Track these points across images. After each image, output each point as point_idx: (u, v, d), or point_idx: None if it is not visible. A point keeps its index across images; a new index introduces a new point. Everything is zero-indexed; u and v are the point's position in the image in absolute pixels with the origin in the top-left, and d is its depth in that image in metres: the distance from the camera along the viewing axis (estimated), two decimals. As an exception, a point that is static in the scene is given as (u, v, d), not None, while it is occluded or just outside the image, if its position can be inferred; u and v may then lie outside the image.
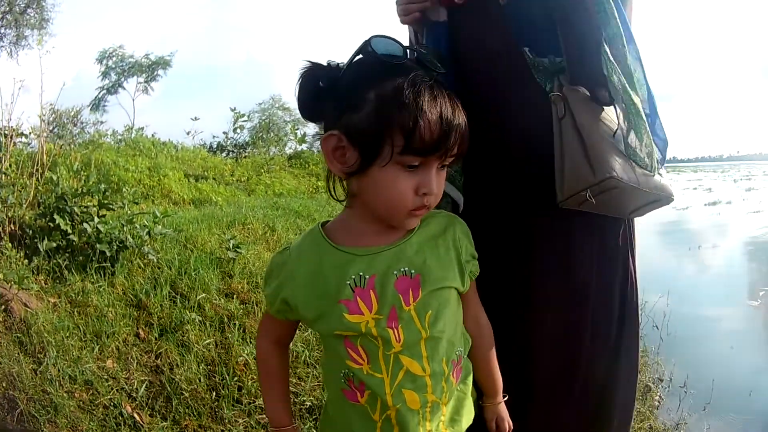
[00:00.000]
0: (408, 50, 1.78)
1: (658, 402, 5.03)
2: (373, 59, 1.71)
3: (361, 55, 1.76)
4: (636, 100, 2.41)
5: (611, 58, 2.35)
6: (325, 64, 1.79)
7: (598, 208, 2.39)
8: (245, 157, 19.43)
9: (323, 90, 1.77)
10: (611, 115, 2.45)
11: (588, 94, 2.44)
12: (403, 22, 2.70)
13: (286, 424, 2.05)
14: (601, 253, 2.68)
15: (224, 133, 20.10)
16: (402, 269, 1.81)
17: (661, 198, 2.53)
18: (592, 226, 2.61)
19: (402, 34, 2.72)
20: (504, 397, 2.28)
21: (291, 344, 2.53)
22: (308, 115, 1.85)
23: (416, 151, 1.65)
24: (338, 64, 1.78)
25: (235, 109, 19.33)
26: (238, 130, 20.12)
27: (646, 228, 18.24)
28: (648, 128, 2.44)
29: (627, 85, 2.39)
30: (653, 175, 2.46)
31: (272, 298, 1.89)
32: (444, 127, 1.65)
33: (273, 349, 2.10)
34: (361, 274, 1.78)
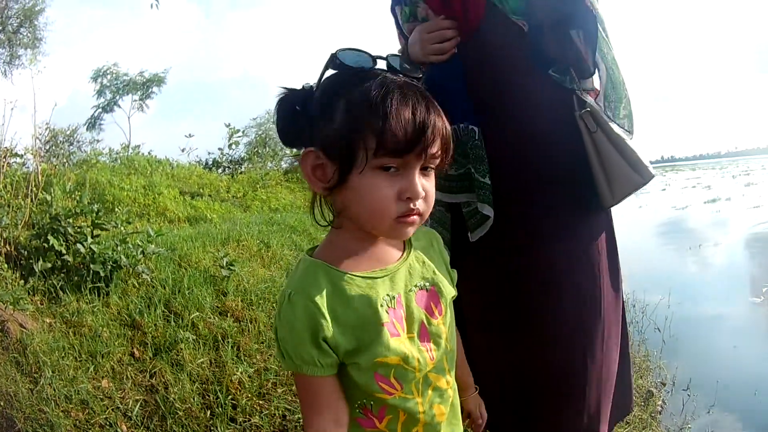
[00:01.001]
0: (376, 58, 1.74)
1: (661, 407, 5.01)
2: (342, 71, 1.71)
3: (330, 71, 1.73)
4: (619, 72, 2.65)
5: (601, 31, 2.58)
6: (299, 88, 1.77)
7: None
8: (241, 172, 19.42)
9: (299, 113, 1.75)
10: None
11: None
12: (435, 60, 2.76)
13: None
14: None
15: (220, 149, 20.12)
16: (417, 284, 1.82)
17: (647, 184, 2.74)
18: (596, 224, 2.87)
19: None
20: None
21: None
22: (288, 141, 1.82)
23: (390, 152, 1.60)
24: (312, 86, 1.76)
25: (230, 124, 19.39)
26: (234, 146, 20.15)
27: (646, 229, 18.25)
28: (627, 96, 2.68)
29: (615, 60, 2.65)
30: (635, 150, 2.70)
31: (311, 347, 1.63)
32: (417, 124, 1.60)
33: (334, 430, 1.71)
34: (389, 294, 1.74)
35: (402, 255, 1.84)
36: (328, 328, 1.62)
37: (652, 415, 4.75)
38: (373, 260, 1.78)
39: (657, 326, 7.07)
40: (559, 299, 2.70)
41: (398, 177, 1.64)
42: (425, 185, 1.68)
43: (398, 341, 1.69)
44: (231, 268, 6.41)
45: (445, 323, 1.83)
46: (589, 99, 2.68)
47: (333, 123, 1.64)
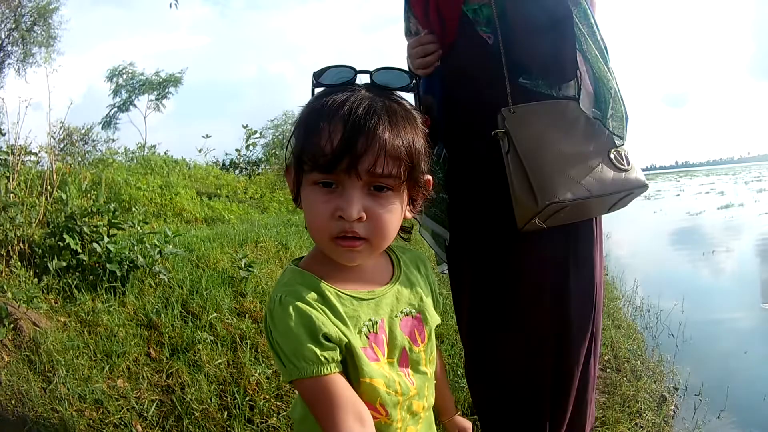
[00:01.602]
0: (359, 73, 1.73)
1: (674, 412, 4.97)
2: (322, 89, 1.71)
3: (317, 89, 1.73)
4: (604, 69, 2.59)
5: (582, 29, 2.55)
6: None
7: (560, 222, 2.59)
8: (258, 174, 19.51)
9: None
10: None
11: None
12: (423, 74, 2.83)
13: None
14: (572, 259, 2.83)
15: (237, 150, 20.22)
16: (403, 310, 1.81)
17: (633, 192, 2.67)
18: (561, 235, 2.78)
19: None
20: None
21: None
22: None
23: (318, 167, 1.57)
24: None
25: (247, 126, 19.49)
26: (251, 147, 20.24)
27: (660, 235, 18.34)
28: (616, 96, 2.63)
29: (598, 56, 2.58)
30: (628, 169, 2.63)
31: (311, 344, 1.56)
32: (347, 133, 1.54)
33: (360, 429, 1.58)
34: (372, 319, 1.72)
35: (391, 279, 1.85)
36: (324, 321, 1.59)
37: (665, 419, 4.73)
38: (361, 281, 1.77)
39: (671, 331, 7.10)
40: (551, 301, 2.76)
41: (337, 194, 1.60)
42: (370, 207, 1.61)
43: (377, 365, 1.69)
44: (249, 269, 6.33)
45: (426, 350, 1.86)
46: (539, 114, 2.64)
47: (292, 136, 1.70)
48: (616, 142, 2.62)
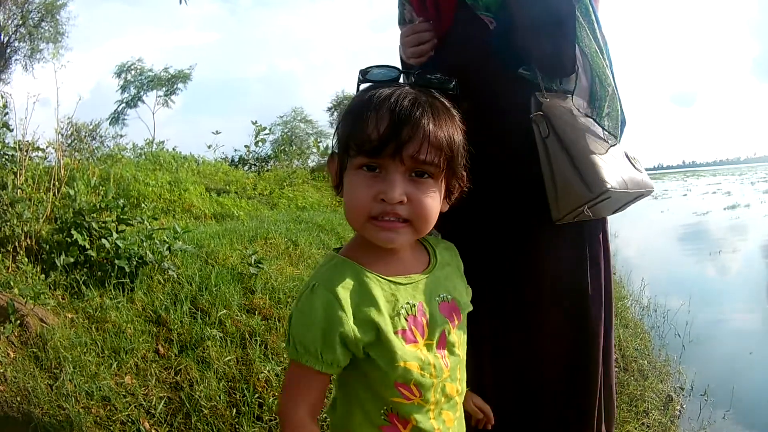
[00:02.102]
0: (407, 73, 1.85)
1: (679, 411, 5.00)
2: (359, 87, 1.83)
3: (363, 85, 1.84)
4: (603, 66, 2.53)
5: (582, 24, 2.50)
6: None
7: (589, 216, 2.50)
8: (267, 170, 19.51)
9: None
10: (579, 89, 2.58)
11: (567, 102, 2.58)
12: (415, 63, 2.79)
13: None
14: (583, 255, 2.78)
15: (246, 146, 20.19)
16: (440, 295, 1.88)
17: (643, 193, 2.62)
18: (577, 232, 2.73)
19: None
20: None
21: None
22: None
23: (364, 152, 1.67)
24: None
25: (256, 122, 19.45)
26: (260, 144, 20.20)
27: (667, 234, 18.38)
28: (614, 94, 2.57)
29: (598, 52, 2.52)
30: (642, 171, 2.64)
31: (318, 341, 1.69)
32: (393, 121, 1.64)
33: (310, 423, 1.78)
34: (410, 302, 1.78)
35: (427, 267, 1.93)
36: (348, 322, 1.67)
37: (671, 419, 4.76)
38: (399, 268, 1.85)
39: (677, 331, 7.09)
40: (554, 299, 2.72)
41: (380, 178, 1.70)
42: (412, 192, 1.71)
43: (415, 347, 1.76)
44: (259, 265, 6.33)
45: (459, 334, 1.91)
46: (561, 102, 2.58)
47: (339, 125, 1.80)
48: (609, 141, 2.58)
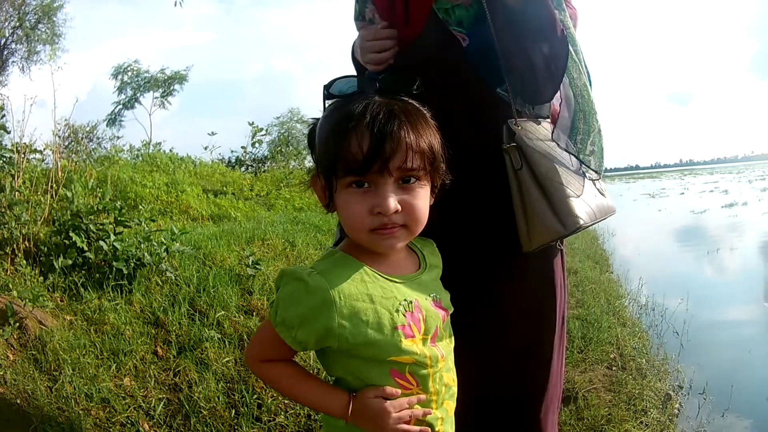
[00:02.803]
0: (368, 83, 1.87)
1: (678, 410, 5.02)
2: (326, 102, 1.89)
3: (328, 101, 1.90)
4: (591, 101, 2.53)
5: (574, 57, 2.51)
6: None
7: (560, 247, 2.68)
8: (264, 171, 19.44)
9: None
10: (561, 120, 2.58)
11: (539, 128, 2.57)
12: (373, 69, 2.72)
13: (346, 400, 1.89)
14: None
15: (242, 147, 20.14)
16: (431, 294, 1.96)
17: (607, 218, 2.64)
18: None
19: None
20: None
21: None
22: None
23: (351, 171, 1.72)
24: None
25: (253, 123, 19.44)
26: (257, 144, 20.19)
27: (665, 233, 18.50)
28: (600, 130, 2.57)
29: (587, 86, 2.53)
30: (606, 196, 2.66)
31: (301, 325, 1.77)
32: (375, 138, 1.68)
33: (285, 364, 1.97)
34: (407, 299, 1.86)
35: (419, 269, 2.02)
36: (337, 319, 1.73)
37: (670, 418, 4.78)
38: (395, 267, 1.93)
39: (675, 330, 7.15)
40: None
41: (371, 192, 1.75)
42: (404, 198, 1.78)
43: (412, 342, 1.83)
44: (257, 267, 6.34)
45: (446, 328, 2.02)
46: (535, 130, 2.55)
47: (319, 147, 1.84)
48: (593, 176, 2.61)
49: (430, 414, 1.90)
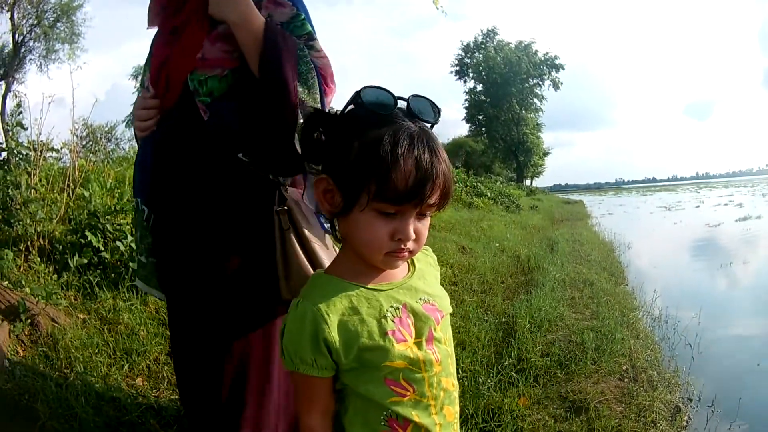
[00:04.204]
0: (398, 100, 1.84)
1: (687, 422, 5.00)
2: (363, 110, 1.80)
3: (352, 106, 1.86)
4: None
5: None
6: (327, 111, 2.01)
7: None
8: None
9: (320, 136, 1.90)
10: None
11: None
12: (139, 136, 2.89)
13: None
14: None
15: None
16: (421, 297, 1.96)
17: None
18: None
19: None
20: None
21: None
22: (308, 157, 1.95)
23: (390, 200, 1.73)
24: (334, 110, 1.93)
25: (274, 125, 19.40)
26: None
27: (680, 246, 18.45)
28: None
29: None
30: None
31: (310, 350, 1.80)
32: (419, 177, 1.72)
33: (321, 426, 1.93)
34: (393, 305, 1.88)
35: (407, 274, 2.02)
36: (329, 331, 1.78)
37: (678, 430, 4.77)
38: (380, 277, 1.94)
39: (688, 342, 7.10)
40: None
41: (394, 219, 1.79)
42: (418, 228, 1.84)
43: (405, 346, 1.84)
44: (273, 269, 6.31)
45: (444, 331, 1.99)
46: (294, 195, 2.79)
47: (346, 160, 1.78)
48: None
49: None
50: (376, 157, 1.72)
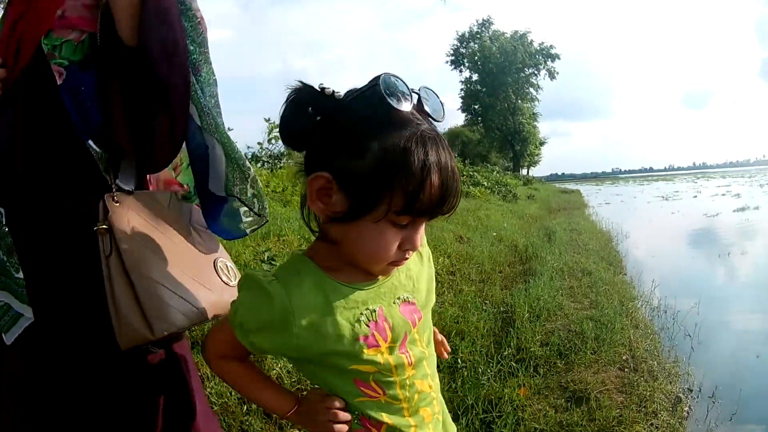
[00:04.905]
0: (413, 93, 1.66)
1: (687, 413, 5.02)
2: (376, 101, 1.59)
3: (365, 92, 1.64)
4: (237, 148, 2.32)
5: (202, 103, 2.27)
6: (317, 88, 1.67)
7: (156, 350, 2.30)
8: (281, 167, 19.27)
9: (312, 118, 1.69)
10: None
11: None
12: None
13: (293, 403, 1.89)
14: None
15: (259, 143, 20.02)
16: (400, 296, 1.86)
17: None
18: None
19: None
20: None
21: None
22: (290, 142, 1.79)
23: (414, 213, 1.63)
24: (333, 92, 1.67)
25: (269, 119, 19.30)
26: (273, 141, 20.06)
27: (677, 236, 18.50)
28: (255, 175, 2.36)
29: (228, 136, 2.32)
30: (233, 285, 2.34)
31: (258, 331, 1.72)
32: (443, 190, 1.62)
33: (241, 365, 1.94)
34: (369, 307, 1.77)
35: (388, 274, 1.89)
36: (292, 330, 1.67)
37: (679, 420, 4.77)
38: (359, 274, 1.81)
39: (687, 332, 7.15)
40: None
41: (405, 228, 1.68)
42: (421, 234, 1.76)
43: (375, 351, 1.75)
44: (272, 262, 6.38)
45: (420, 331, 1.90)
46: (136, 201, 2.19)
47: (359, 162, 1.60)
48: (259, 220, 2.43)
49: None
50: (406, 170, 1.58)
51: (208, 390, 4.28)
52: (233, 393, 4.32)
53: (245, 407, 4.27)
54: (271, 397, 1.95)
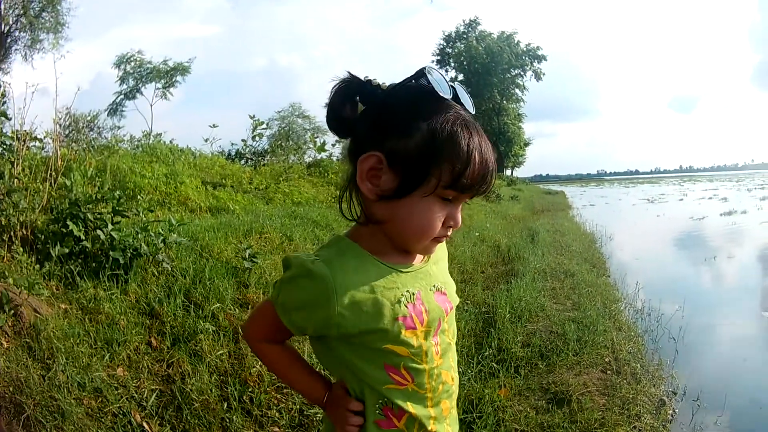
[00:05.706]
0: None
1: (672, 416, 5.01)
2: (423, 89, 1.75)
3: (413, 82, 1.78)
4: None
5: None
6: (363, 79, 1.80)
7: None
8: (264, 165, 19.29)
9: (355, 104, 1.80)
10: None
11: None
12: None
13: (326, 392, 1.98)
14: None
15: (243, 140, 20.05)
16: (435, 285, 1.92)
17: None
18: None
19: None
20: None
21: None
22: (338, 129, 1.84)
23: (460, 189, 1.73)
24: (378, 83, 1.79)
25: (254, 116, 19.31)
26: (257, 138, 20.07)
27: (663, 238, 18.52)
28: None
29: None
30: None
31: (300, 311, 1.79)
32: (485, 169, 1.74)
33: (281, 348, 2.04)
34: (409, 290, 1.83)
35: (424, 258, 1.96)
36: (335, 308, 1.71)
37: (663, 423, 4.79)
38: (399, 257, 1.87)
39: (672, 335, 7.15)
40: None
41: (448, 205, 1.78)
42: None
43: (412, 334, 1.79)
44: (254, 260, 6.34)
45: (450, 322, 1.97)
46: None
47: (410, 141, 1.71)
48: None
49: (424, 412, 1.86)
50: (455, 147, 1.71)
51: (189, 387, 4.26)
52: (213, 390, 4.29)
53: (226, 404, 4.25)
54: (308, 383, 2.04)
